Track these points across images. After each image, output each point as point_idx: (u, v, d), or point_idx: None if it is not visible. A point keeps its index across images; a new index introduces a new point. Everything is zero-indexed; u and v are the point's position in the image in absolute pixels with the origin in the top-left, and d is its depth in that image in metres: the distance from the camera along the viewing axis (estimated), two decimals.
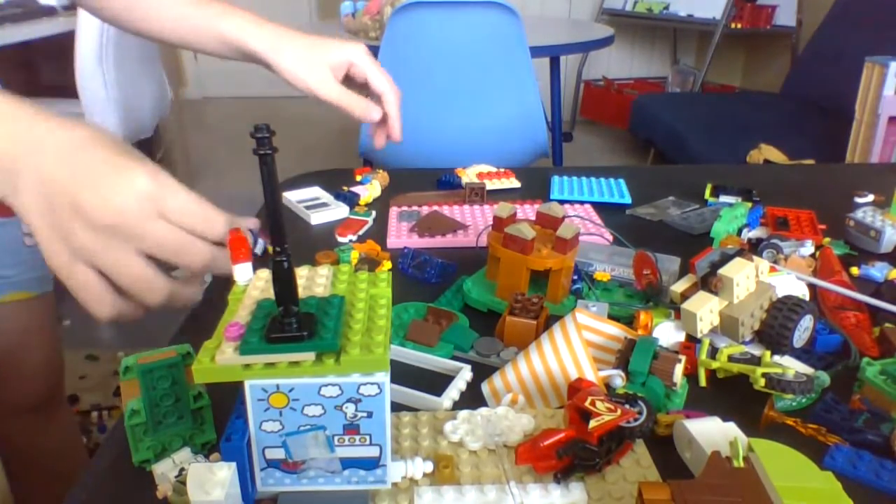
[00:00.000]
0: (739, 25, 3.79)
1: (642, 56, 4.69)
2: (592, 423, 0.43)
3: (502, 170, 1.07)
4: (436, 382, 0.56)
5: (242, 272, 0.44)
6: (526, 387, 0.54)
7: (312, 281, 0.44)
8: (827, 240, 0.83)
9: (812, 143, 2.54)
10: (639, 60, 4.69)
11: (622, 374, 0.54)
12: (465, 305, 0.70)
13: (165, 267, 0.47)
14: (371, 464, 0.41)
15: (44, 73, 2.57)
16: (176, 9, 0.78)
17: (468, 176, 1.05)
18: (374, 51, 1.93)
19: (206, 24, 0.77)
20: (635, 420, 0.46)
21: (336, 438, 0.40)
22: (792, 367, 0.55)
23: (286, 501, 0.42)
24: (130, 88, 2.09)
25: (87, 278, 0.45)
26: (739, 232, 0.81)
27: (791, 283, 0.65)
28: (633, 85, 4.43)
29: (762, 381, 0.52)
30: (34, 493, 1.07)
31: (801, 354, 0.59)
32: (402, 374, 0.56)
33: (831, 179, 1.15)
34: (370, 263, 0.75)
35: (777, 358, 0.57)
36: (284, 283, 0.38)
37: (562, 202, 0.94)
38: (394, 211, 0.93)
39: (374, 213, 0.92)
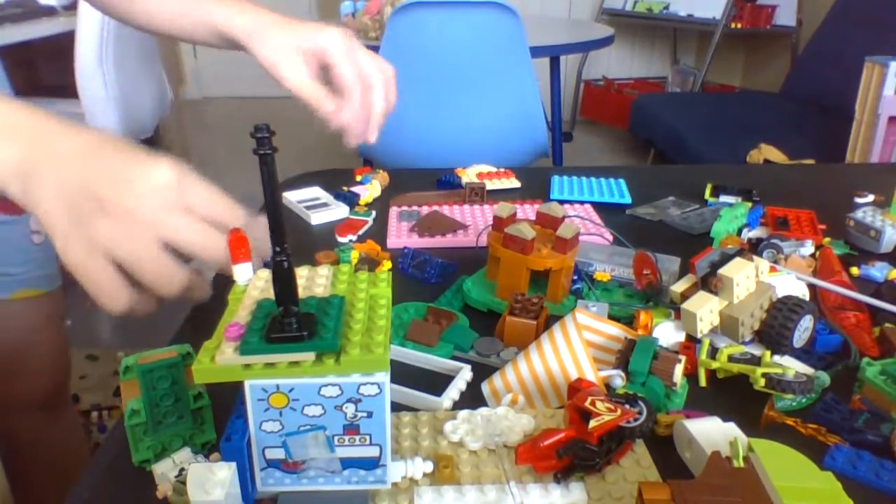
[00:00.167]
0: (739, 25, 3.79)
1: (642, 56, 4.69)
2: (592, 423, 0.43)
3: (502, 170, 1.07)
4: (436, 382, 0.56)
5: (242, 272, 0.44)
6: (526, 387, 0.54)
7: (312, 281, 0.44)
8: (827, 240, 0.83)
9: (812, 143, 2.54)
10: (639, 60, 4.69)
11: (622, 374, 0.54)
12: (465, 305, 0.70)
13: (181, 259, 0.47)
14: (371, 464, 0.41)
15: (44, 73, 2.57)
16: (175, 4, 0.78)
17: (468, 176, 1.05)
18: (375, 51, 1.93)
19: (203, 17, 0.76)
20: (635, 420, 0.46)
21: (336, 438, 0.40)
22: (792, 367, 0.55)
23: (286, 501, 0.42)
24: (130, 88, 2.09)
25: (103, 271, 0.45)
26: (739, 232, 0.81)
27: (791, 283, 0.65)
28: (633, 85, 4.43)
29: (762, 381, 0.52)
30: (36, 493, 1.07)
31: (801, 354, 0.59)
32: (402, 374, 0.56)
33: (831, 179, 1.15)
34: (370, 263, 0.75)
35: (777, 358, 0.57)
36: (284, 283, 0.38)
37: (562, 202, 0.94)
38: (394, 211, 0.93)
39: (374, 213, 0.92)
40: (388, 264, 0.76)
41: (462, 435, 0.47)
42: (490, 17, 1.77)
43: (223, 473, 0.38)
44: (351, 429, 0.40)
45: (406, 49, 1.80)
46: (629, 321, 0.63)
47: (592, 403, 0.44)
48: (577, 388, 0.47)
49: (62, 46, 2.01)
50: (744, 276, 0.59)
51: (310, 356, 0.38)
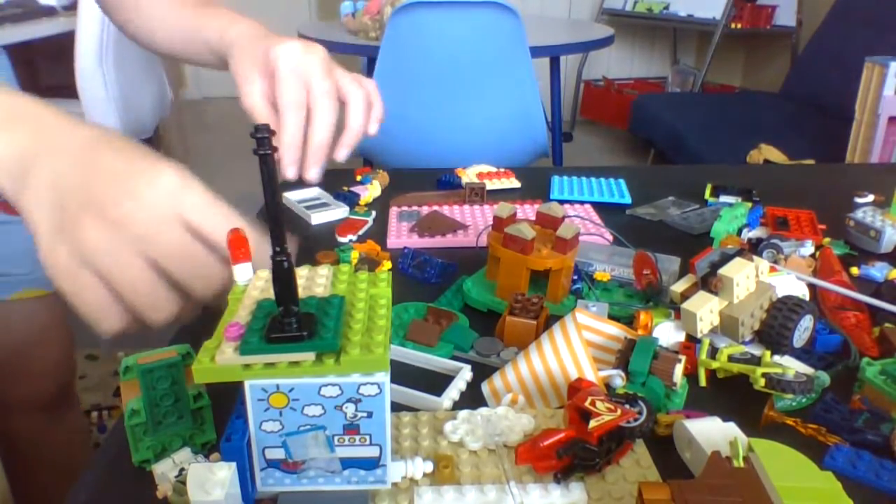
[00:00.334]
0: (739, 25, 3.79)
1: (642, 56, 4.69)
2: (592, 423, 0.43)
3: (502, 170, 1.07)
4: (436, 382, 0.56)
5: (242, 272, 0.44)
6: (526, 387, 0.54)
7: (312, 281, 0.44)
8: (827, 240, 0.83)
9: (812, 143, 2.54)
10: (639, 60, 4.69)
11: (622, 374, 0.54)
12: (465, 305, 0.70)
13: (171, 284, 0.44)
14: (371, 464, 0.41)
15: (44, 73, 2.57)
16: (175, 18, 0.76)
17: (468, 176, 1.05)
18: (374, 51, 1.94)
19: (200, 32, 0.74)
20: (635, 420, 0.46)
21: (336, 438, 0.40)
22: (792, 367, 0.55)
23: (286, 501, 0.42)
24: (130, 88, 2.09)
25: (90, 285, 0.43)
26: (739, 232, 0.81)
27: (791, 283, 0.65)
28: (633, 85, 4.43)
29: (762, 381, 0.52)
30: (38, 494, 1.07)
31: (801, 354, 0.59)
32: (402, 374, 0.56)
33: (831, 179, 1.15)
34: (370, 263, 0.75)
35: (777, 358, 0.57)
36: (284, 283, 0.38)
37: (562, 202, 0.94)
38: (394, 211, 0.93)
39: (374, 213, 0.92)
40: (388, 264, 0.76)
41: (462, 435, 0.47)
42: (490, 17, 1.77)
43: (223, 473, 0.38)
44: (351, 429, 0.40)
45: (406, 49, 1.80)
46: (629, 321, 0.63)
47: (592, 403, 0.44)
48: (577, 388, 0.47)
49: (62, 46, 2.01)
50: (744, 276, 0.59)
51: (310, 356, 0.38)
